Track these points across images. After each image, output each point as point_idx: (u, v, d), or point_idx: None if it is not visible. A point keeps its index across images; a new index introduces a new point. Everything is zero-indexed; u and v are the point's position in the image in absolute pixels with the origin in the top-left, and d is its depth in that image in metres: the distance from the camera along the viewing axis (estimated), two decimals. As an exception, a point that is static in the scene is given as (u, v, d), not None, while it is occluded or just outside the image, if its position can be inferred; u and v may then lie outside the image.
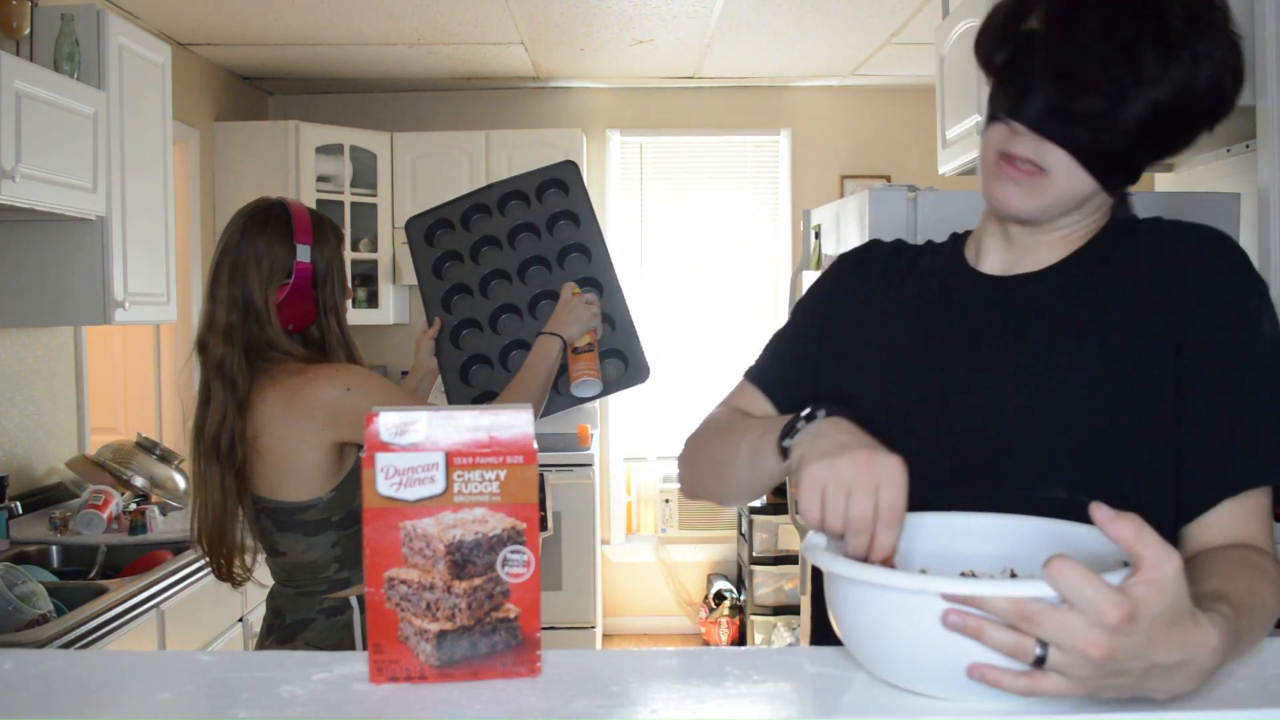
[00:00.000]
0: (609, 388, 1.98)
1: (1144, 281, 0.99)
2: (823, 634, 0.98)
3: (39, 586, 2.18)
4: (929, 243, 1.19)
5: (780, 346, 1.21)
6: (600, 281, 2.03)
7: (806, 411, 0.93)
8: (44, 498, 3.02)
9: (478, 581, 0.78)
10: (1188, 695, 0.72)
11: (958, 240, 1.15)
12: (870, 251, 1.19)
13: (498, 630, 0.79)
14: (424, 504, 0.77)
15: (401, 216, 4.57)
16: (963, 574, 0.88)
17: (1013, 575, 0.87)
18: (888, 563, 0.81)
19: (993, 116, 0.98)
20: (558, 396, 1.96)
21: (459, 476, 0.77)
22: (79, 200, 2.59)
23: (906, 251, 1.18)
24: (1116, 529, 0.67)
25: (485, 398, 1.97)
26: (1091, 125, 0.93)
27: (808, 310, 1.19)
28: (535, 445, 0.78)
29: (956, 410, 1.01)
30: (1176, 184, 2.74)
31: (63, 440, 3.19)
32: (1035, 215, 0.99)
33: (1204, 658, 0.70)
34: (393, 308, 4.65)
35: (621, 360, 1.99)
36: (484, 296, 2.03)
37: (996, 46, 0.98)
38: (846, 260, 1.20)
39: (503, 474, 0.77)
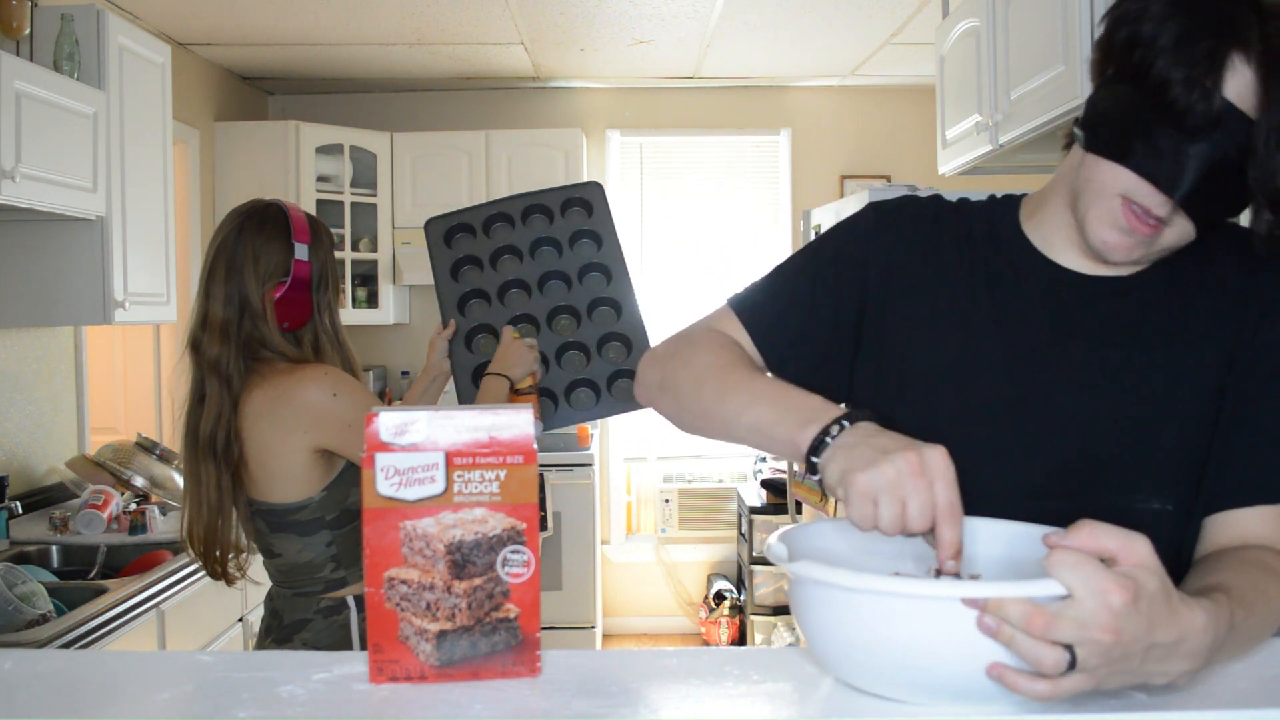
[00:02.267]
0: (620, 408, 1.99)
1: (1223, 289, 0.97)
2: None
3: (39, 586, 2.18)
4: (965, 202, 1.10)
5: (783, 288, 1.09)
6: (620, 303, 2.04)
7: (832, 421, 0.85)
8: (44, 498, 3.02)
9: (478, 581, 0.78)
10: (1182, 684, 0.73)
11: (1009, 210, 1.06)
12: (915, 208, 1.09)
13: (498, 630, 0.79)
14: (424, 504, 0.77)
15: (401, 217, 4.57)
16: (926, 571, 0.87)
17: (936, 573, 0.87)
18: (958, 558, 0.79)
19: (1124, 159, 0.89)
20: (600, 403, 1.99)
21: (459, 476, 0.77)
22: (79, 200, 2.59)
23: (951, 212, 1.08)
24: (1073, 541, 0.68)
25: None
26: (1238, 212, 0.90)
27: (833, 260, 1.07)
28: (535, 445, 0.78)
29: (1046, 417, 0.96)
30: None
31: (63, 440, 3.19)
32: (1135, 262, 0.95)
33: (1195, 636, 0.70)
34: (393, 308, 4.65)
35: (633, 381, 2.00)
36: (501, 304, 2.04)
37: (1178, 92, 0.84)
38: (885, 213, 1.08)
39: (503, 474, 0.77)
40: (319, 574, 1.72)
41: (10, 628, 2.02)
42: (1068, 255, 1.01)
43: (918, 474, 0.78)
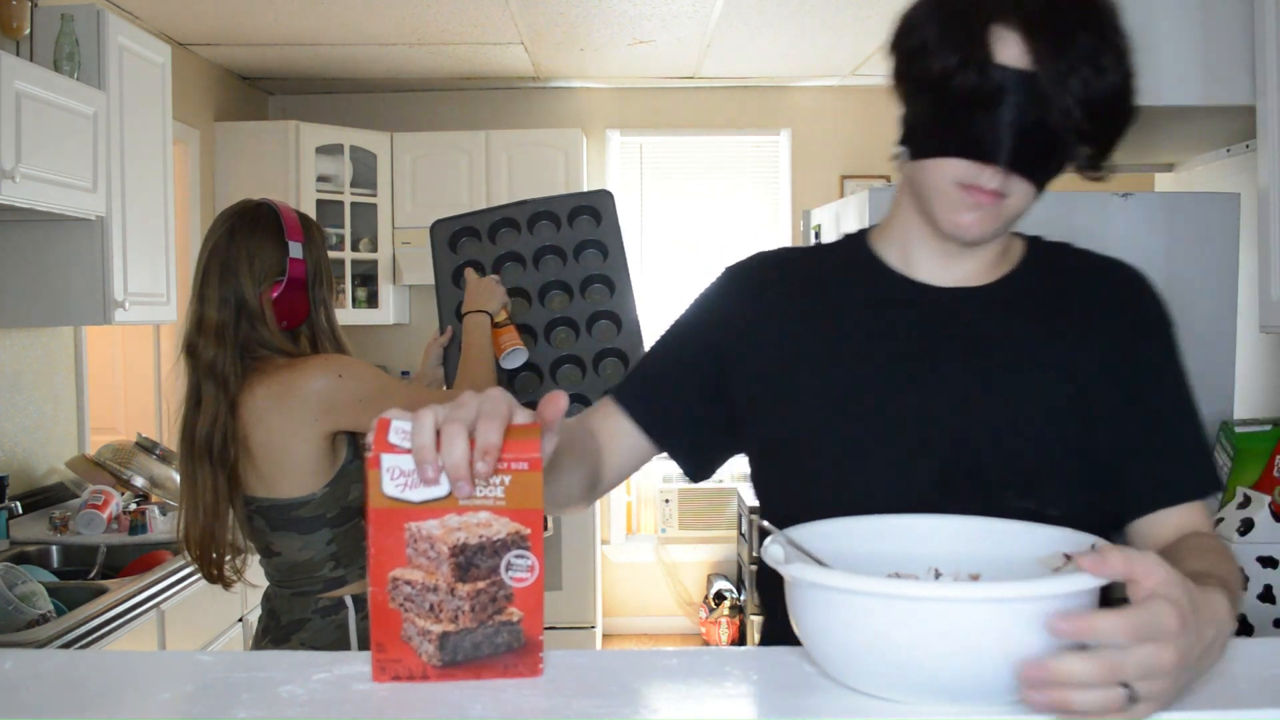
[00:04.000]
0: None
1: (1083, 304, 1.05)
2: (776, 636, 1.00)
3: (39, 586, 2.18)
4: (818, 246, 1.16)
5: (654, 368, 1.13)
6: (621, 317, 2.02)
7: None
8: (44, 498, 3.02)
9: (481, 585, 0.78)
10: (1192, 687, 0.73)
11: (859, 242, 1.11)
12: (762, 262, 1.14)
13: (500, 633, 0.79)
14: (429, 506, 0.77)
15: (401, 217, 4.57)
16: (894, 574, 0.88)
17: (937, 575, 0.87)
18: (486, 460, 0.76)
19: (945, 152, 0.95)
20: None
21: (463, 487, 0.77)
22: (79, 200, 2.59)
23: (800, 259, 1.13)
24: (1108, 568, 0.68)
25: None
26: (1063, 158, 0.95)
27: (691, 328, 1.12)
28: (540, 453, 0.78)
29: (928, 431, 1.00)
30: (1176, 184, 2.74)
31: (63, 440, 3.19)
32: (990, 237, 1.00)
33: (1226, 624, 0.73)
34: (392, 308, 4.65)
35: None
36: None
37: (959, 77, 0.91)
38: (735, 273, 1.13)
39: (508, 479, 0.77)
40: (318, 573, 1.72)
41: (10, 628, 2.02)
42: (926, 268, 1.05)
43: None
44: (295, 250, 1.70)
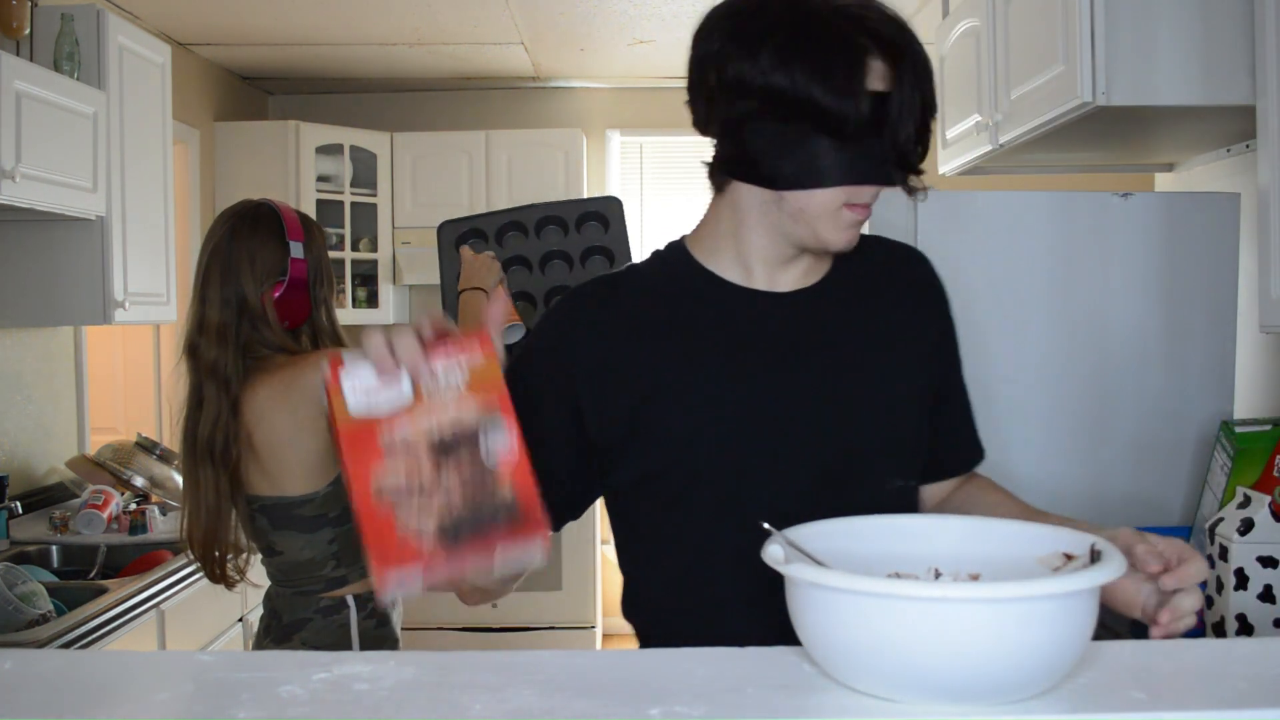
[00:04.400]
0: None
1: (897, 290, 1.14)
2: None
3: (39, 586, 2.18)
4: (632, 267, 1.15)
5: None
6: None
7: None
8: (44, 498, 3.02)
9: (466, 472, 0.78)
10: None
11: (686, 259, 1.10)
12: (595, 293, 1.11)
13: (497, 514, 0.79)
14: (396, 413, 0.78)
15: (401, 216, 4.57)
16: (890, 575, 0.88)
17: (937, 575, 0.88)
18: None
19: (842, 180, 0.99)
20: None
21: (425, 379, 0.79)
22: (79, 200, 2.59)
23: (629, 280, 1.12)
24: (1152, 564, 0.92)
25: None
26: (918, 161, 1.03)
27: (543, 384, 1.06)
28: (493, 347, 0.80)
29: (800, 431, 1.04)
30: (1176, 184, 2.74)
31: (63, 440, 3.19)
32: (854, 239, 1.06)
33: None
34: (393, 308, 4.65)
35: None
36: None
37: (847, 110, 0.94)
38: (573, 308, 1.10)
39: (465, 371, 0.79)
40: (320, 572, 1.72)
41: (10, 628, 2.02)
42: (764, 277, 1.08)
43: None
44: (296, 250, 1.70)
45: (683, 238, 1.14)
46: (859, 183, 0.99)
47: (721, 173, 1.06)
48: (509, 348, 1.96)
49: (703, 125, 1.06)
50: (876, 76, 0.95)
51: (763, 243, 1.06)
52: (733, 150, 1.03)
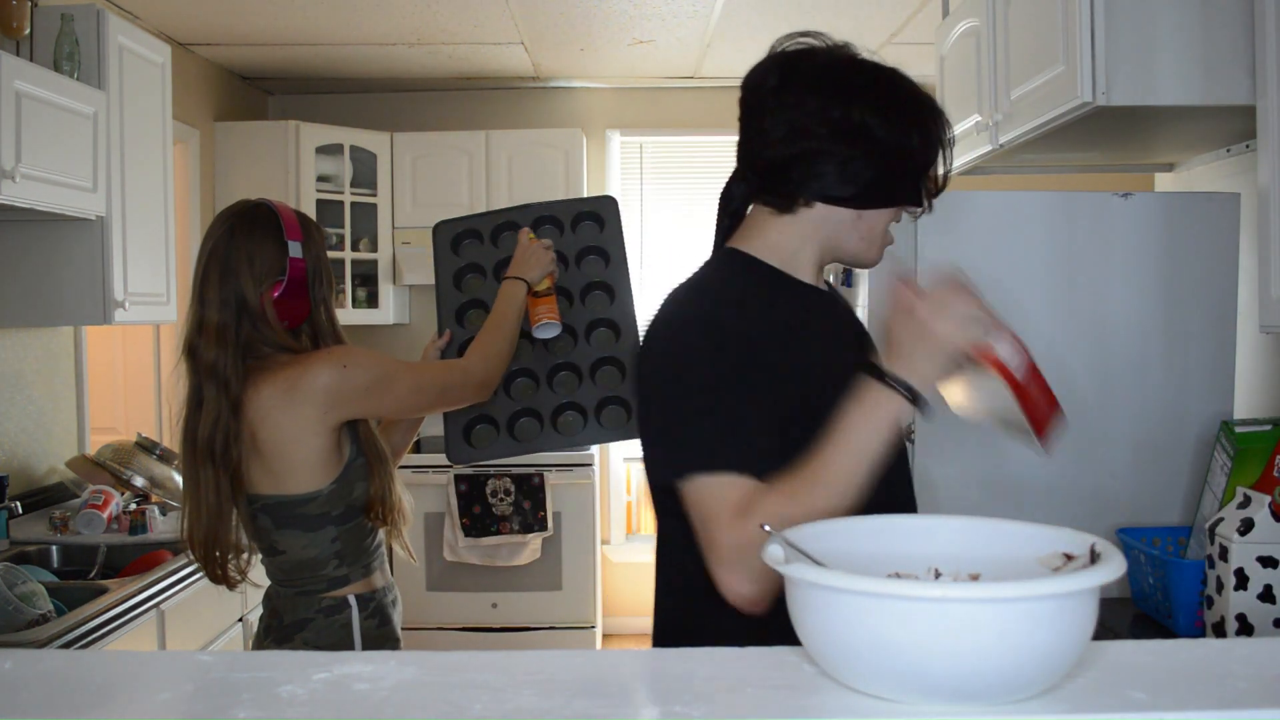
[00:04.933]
0: (607, 437, 1.97)
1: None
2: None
3: (39, 586, 2.18)
4: (724, 281, 1.29)
5: (738, 420, 1.14)
6: (620, 325, 2.00)
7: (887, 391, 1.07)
8: (44, 498, 3.02)
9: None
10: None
11: (758, 269, 1.28)
12: (751, 285, 1.26)
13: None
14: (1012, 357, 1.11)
15: (401, 216, 4.57)
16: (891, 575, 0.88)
17: (937, 575, 0.88)
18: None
19: (898, 204, 1.26)
20: (587, 429, 1.96)
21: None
22: (79, 200, 2.59)
23: (762, 280, 1.28)
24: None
25: (480, 420, 1.96)
26: None
27: (738, 369, 1.16)
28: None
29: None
30: (1176, 184, 2.74)
31: (63, 440, 3.19)
32: None
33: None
34: (393, 308, 4.65)
35: (625, 410, 1.96)
36: None
37: (928, 153, 1.25)
38: (729, 311, 1.21)
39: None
40: (322, 571, 1.72)
41: (10, 628, 2.02)
42: (811, 279, 1.30)
43: (943, 314, 1.06)
44: (295, 250, 1.70)
45: (744, 250, 1.29)
46: (915, 205, 1.27)
47: (810, 198, 1.24)
48: (545, 340, 1.97)
49: (776, 162, 1.26)
50: (941, 129, 1.26)
51: (810, 250, 1.28)
52: (826, 181, 1.22)
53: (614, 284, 2.03)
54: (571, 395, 1.97)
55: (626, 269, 2.05)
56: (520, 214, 2.09)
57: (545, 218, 2.08)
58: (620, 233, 2.06)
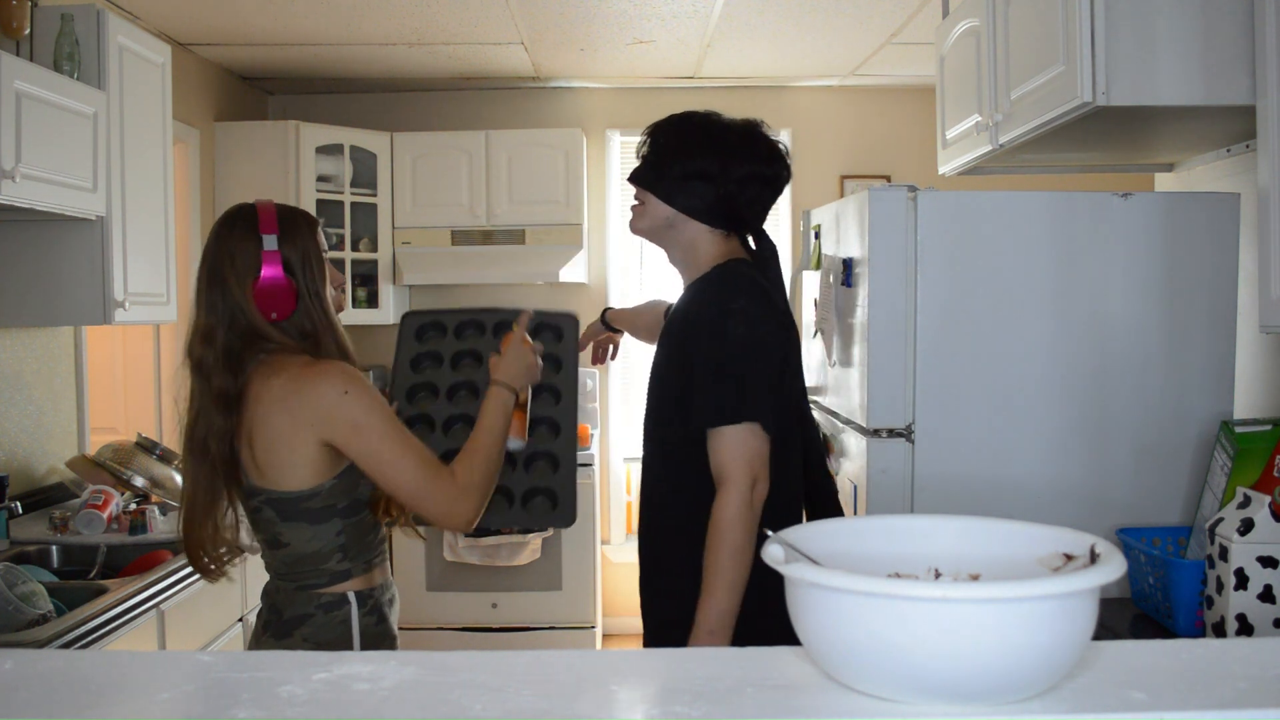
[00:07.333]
0: (529, 523, 2.09)
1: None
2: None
3: (39, 586, 2.18)
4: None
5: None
6: (560, 424, 2.10)
7: None
8: (44, 498, 3.02)
9: None
10: None
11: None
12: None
13: None
14: None
15: (401, 216, 4.58)
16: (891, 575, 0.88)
17: (937, 575, 0.88)
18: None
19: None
20: (512, 511, 2.04)
21: None
22: (79, 200, 2.59)
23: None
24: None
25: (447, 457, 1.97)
26: None
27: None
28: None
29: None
30: (1176, 184, 2.74)
31: (63, 440, 3.19)
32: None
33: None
34: (393, 307, 4.65)
35: (551, 501, 2.06)
36: (448, 400, 2.10)
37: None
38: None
39: None
40: (325, 564, 1.73)
41: (10, 628, 2.03)
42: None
43: None
44: (269, 242, 1.73)
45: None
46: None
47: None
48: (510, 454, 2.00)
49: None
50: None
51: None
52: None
53: (562, 389, 2.12)
54: (503, 479, 1.98)
55: (576, 379, 2.15)
56: (485, 315, 2.19)
57: (507, 323, 2.11)
58: (575, 347, 2.18)
